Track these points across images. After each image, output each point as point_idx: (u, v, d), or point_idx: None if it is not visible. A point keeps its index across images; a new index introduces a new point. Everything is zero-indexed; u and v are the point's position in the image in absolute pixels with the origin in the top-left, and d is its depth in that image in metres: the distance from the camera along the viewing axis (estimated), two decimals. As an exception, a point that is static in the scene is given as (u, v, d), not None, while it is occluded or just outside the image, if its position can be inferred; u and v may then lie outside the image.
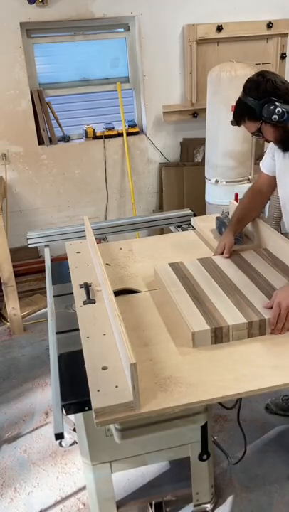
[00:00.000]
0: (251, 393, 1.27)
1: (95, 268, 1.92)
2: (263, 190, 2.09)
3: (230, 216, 2.22)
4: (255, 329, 1.50)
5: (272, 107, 1.64)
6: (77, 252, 2.14)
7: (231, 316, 1.53)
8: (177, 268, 1.85)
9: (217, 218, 2.26)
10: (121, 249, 2.22)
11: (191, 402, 1.23)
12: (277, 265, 1.85)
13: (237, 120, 1.79)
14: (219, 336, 1.48)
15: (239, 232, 2.08)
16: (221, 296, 1.65)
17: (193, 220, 2.46)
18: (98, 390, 1.23)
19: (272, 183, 2.04)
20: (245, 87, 1.73)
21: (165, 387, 1.28)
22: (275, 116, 1.64)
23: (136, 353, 1.21)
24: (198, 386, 1.27)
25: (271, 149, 1.98)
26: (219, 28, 3.79)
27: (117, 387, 1.24)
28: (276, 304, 1.52)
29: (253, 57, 3.77)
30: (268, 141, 1.83)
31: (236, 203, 2.22)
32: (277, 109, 1.63)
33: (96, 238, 2.37)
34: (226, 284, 1.73)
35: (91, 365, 1.34)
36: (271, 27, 3.89)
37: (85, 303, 1.69)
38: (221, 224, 2.21)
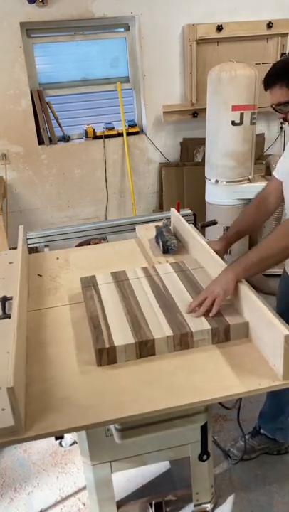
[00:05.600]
0: (145, 415, 1.20)
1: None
2: (271, 200, 1.87)
3: (170, 225, 2.12)
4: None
5: None
6: (10, 263, 2.08)
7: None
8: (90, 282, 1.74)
9: (156, 227, 2.14)
10: (58, 258, 2.16)
11: (77, 426, 1.17)
12: (190, 282, 1.67)
13: (272, 80, 1.55)
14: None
15: (232, 243, 1.88)
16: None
17: (137, 228, 2.36)
18: None
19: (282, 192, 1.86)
20: None
21: (58, 409, 1.21)
22: None
23: (39, 372, 1.14)
24: (89, 408, 1.21)
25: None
26: (219, 28, 3.79)
27: (3, 410, 1.15)
28: (205, 292, 1.48)
29: (253, 57, 3.77)
30: (287, 120, 1.61)
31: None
32: None
33: (96, 238, 2.36)
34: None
35: None
36: (271, 27, 3.89)
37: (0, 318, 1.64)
38: (158, 233, 2.09)
